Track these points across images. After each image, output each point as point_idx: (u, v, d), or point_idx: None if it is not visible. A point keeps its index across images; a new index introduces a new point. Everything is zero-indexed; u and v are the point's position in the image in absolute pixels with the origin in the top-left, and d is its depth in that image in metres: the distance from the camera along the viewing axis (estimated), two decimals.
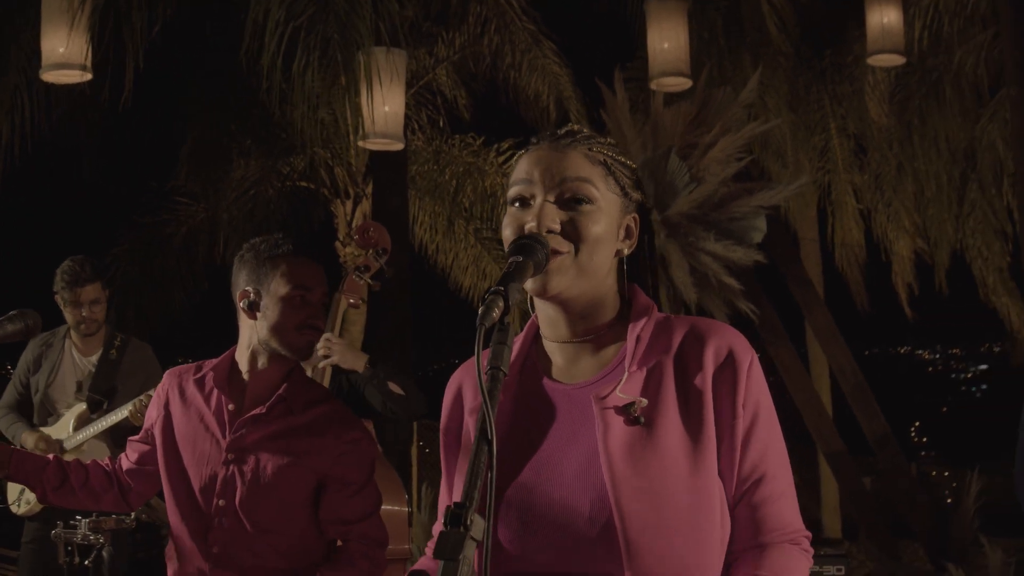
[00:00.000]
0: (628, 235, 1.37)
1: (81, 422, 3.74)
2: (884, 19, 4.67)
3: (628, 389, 1.26)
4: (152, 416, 2.19)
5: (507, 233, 1.30)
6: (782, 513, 1.29)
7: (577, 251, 1.29)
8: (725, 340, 1.30)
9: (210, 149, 7.81)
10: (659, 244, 4.78)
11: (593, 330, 1.34)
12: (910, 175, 9.04)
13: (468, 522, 0.95)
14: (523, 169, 1.33)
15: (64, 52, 3.97)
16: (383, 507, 3.24)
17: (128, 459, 2.24)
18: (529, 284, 1.28)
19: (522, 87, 8.62)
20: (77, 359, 3.86)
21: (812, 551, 1.32)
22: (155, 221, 8.15)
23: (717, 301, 4.77)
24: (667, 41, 4.58)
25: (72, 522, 2.80)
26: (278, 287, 2.07)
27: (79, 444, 3.72)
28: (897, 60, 4.84)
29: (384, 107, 4.47)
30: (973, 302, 9.84)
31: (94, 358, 3.84)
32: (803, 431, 5.95)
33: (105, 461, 2.28)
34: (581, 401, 1.30)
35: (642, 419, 1.24)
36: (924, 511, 5.84)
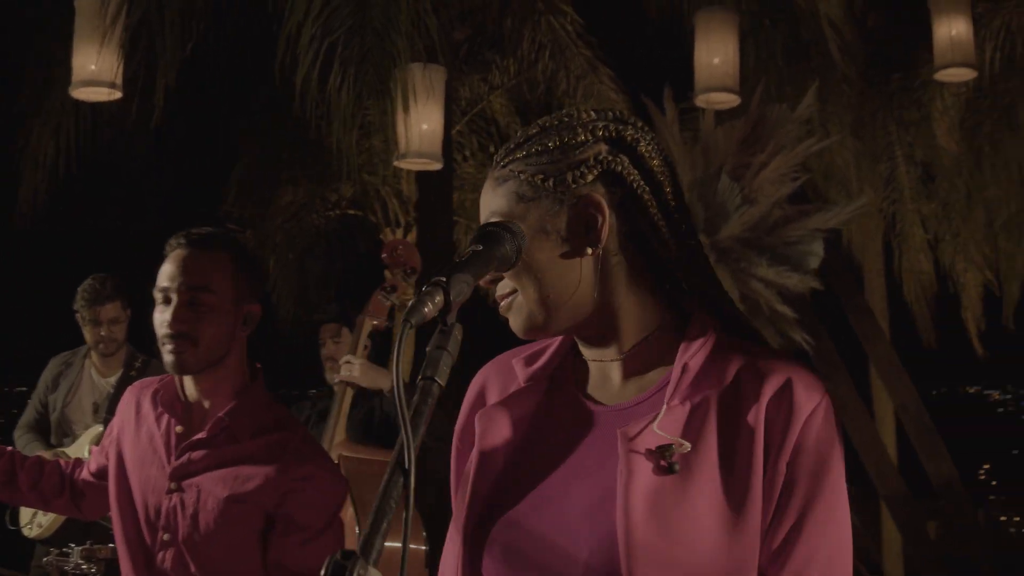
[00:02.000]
0: (586, 224, 1.06)
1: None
2: (952, 31, 4.39)
3: (666, 427, 1.01)
4: (111, 432, 1.99)
5: None
6: None
7: (515, 291, 1.08)
8: (789, 379, 1.02)
9: (259, 175, 7.79)
10: None
11: (627, 347, 1.09)
12: (980, 205, 8.66)
13: None
14: None
15: (95, 69, 3.91)
16: (398, 544, 3.06)
17: (88, 468, 2.04)
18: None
19: None
20: (95, 380, 3.77)
21: None
22: None
23: (769, 330, 4.50)
24: (716, 56, 4.37)
25: (65, 550, 2.67)
26: None
27: None
28: (968, 74, 4.55)
29: (422, 125, 4.33)
30: None
31: (113, 379, 3.74)
32: (863, 472, 5.61)
33: (67, 462, 2.08)
34: (611, 428, 1.06)
35: (677, 467, 0.99)
36: (992, 560, 5.44)
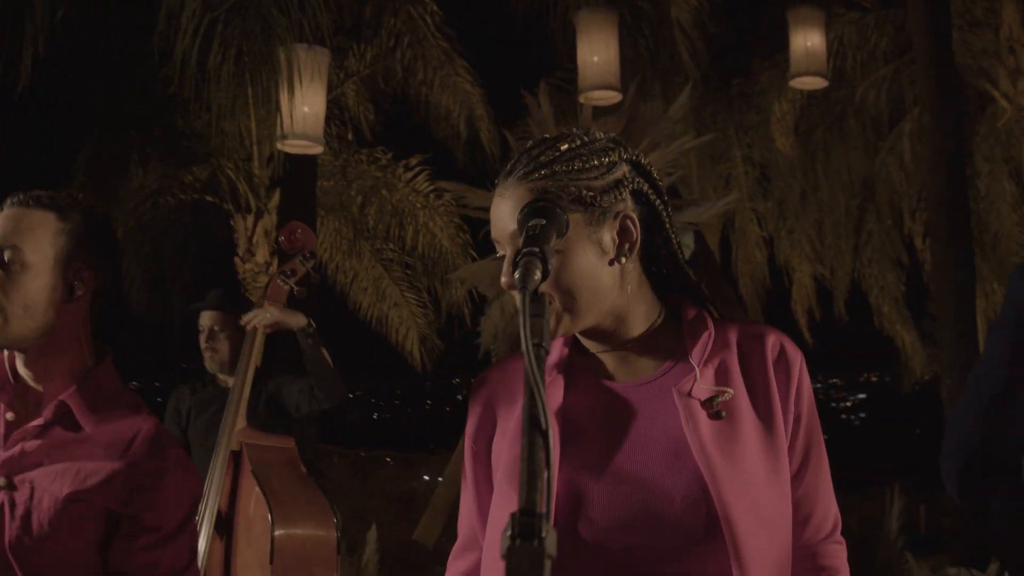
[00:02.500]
0: (624, 236, 1.18)
1: None
2: (808, 42, 4.73)
3: (706, 383, 1.20)
4: None
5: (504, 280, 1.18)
6: (827, 510, 1.29)
7: (553, 299, 1.16)
8: (778, 338, 1.25)
9: (109, 156, 7.42)
10: None
11: (636, 336, 1.24)
12: (813, 204, 9.27)
13: (543, 533, 0.75)
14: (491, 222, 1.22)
15: None
16: (310, 532, 2.99)
17: None
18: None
19: (433, 104, 8.51)
20: None
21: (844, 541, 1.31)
22: None
23: None
24: (597, 54, 4.53)
25: None
26: None
27: None
28: (820, 83, 4.92)
29: (304, 107, 4.27)
30: (864, 330, 10.14)
31: None
32: None
33: None
34: (650, 397, 1.21)
35: (723, 413, 1.18)
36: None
